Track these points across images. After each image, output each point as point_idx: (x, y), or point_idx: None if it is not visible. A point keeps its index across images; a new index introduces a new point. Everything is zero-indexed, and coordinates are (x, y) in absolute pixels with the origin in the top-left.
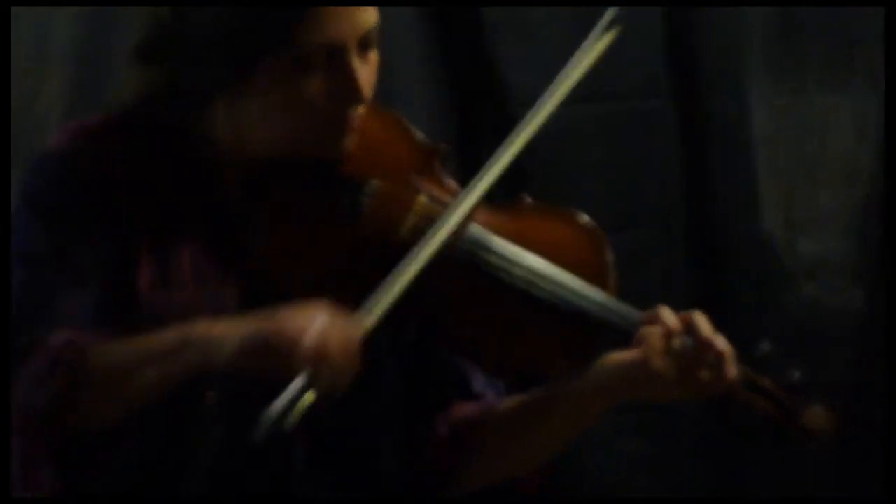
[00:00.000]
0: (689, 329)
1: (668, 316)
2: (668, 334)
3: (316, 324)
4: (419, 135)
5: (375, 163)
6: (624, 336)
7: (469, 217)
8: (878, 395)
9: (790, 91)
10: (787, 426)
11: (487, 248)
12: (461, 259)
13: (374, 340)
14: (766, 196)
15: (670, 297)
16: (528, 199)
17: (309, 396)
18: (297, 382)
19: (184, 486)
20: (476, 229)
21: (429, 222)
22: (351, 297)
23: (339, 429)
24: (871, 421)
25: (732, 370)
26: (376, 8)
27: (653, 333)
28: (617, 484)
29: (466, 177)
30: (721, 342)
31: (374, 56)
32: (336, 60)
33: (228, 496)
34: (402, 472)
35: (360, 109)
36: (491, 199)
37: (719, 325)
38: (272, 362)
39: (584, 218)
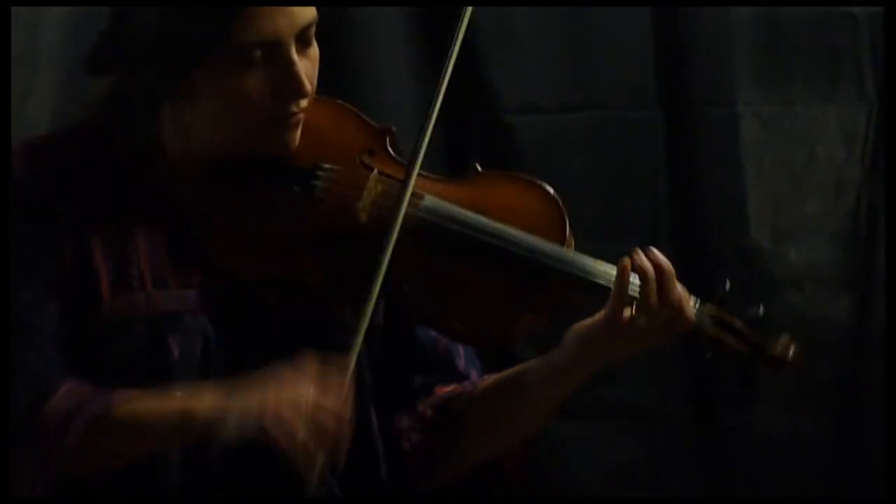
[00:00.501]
0: (636, 270)
1: (626, 272)
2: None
3: (304, 400)
4: (367, 119)
5: (325, 148)
6: (589, 291)
7: (412, 190)
8: (866, 402)
9: (777, 101)
10: (756, 358)
11: (443, 216)
12: (419, 230)
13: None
14: (754, 206)
15: None
16: (479, 168)
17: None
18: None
19: (178, 485)
20: (430, 199)
21: (384, 199)
22: (313, 283)
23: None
24: (859, 428)
25: (689, 317)
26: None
27: (616, 289)
28: (603, 491)
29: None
30: (658, 262)
31: (314, 51)
32: (275, 56)
33: (222, 494)
34: (390, 458)
35: (304, 103)
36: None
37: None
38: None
39: (538, 182)
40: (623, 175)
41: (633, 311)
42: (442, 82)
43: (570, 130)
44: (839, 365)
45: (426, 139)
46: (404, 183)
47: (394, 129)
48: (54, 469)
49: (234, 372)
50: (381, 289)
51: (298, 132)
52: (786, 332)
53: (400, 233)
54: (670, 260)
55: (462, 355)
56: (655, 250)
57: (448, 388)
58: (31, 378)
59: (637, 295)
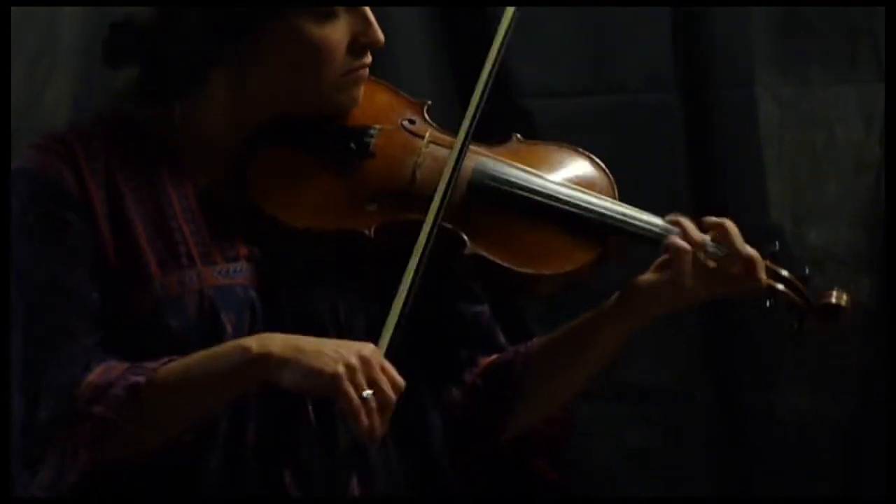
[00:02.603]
0: (720, 239)
1: (694, 231)
2: (696, 249)
3: (366, 359)
4: (403, 93)
5: (371, 114)
6: (649, 242)
7: (465, 151)
8: (887, 385)
9: (795, 82)
10: (809, 309)
11: (497, 172)
12: (472, 186)
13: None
14: (773, 188)
15: None
16: (519, 136)
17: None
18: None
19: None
20: (482, 159)
21: (438, 155)
22: (368, 238)
23: None
24: (880, 411)
25: (763, 275)
26: None
27: (680, 250)
28: (622, 477)
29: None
30: (750, 251)
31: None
32: (351, 8)
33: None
34: (446, 428)
35: (369, 58)
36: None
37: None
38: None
39: (581, 149)
40: (641, 159)
41: (708, 266)
42: (489, 73)
43: (588, 114)
44: (860, 347)
45: (484, 93)
46: (462, 135)
47: (429, 102)
48: (86, 457)
49: None
50: (440, 241)
51: (362, 89)
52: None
53: (457, 187)
54: None
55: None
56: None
57: (492, 358)
58: (66, 364)
59: (714, 252)
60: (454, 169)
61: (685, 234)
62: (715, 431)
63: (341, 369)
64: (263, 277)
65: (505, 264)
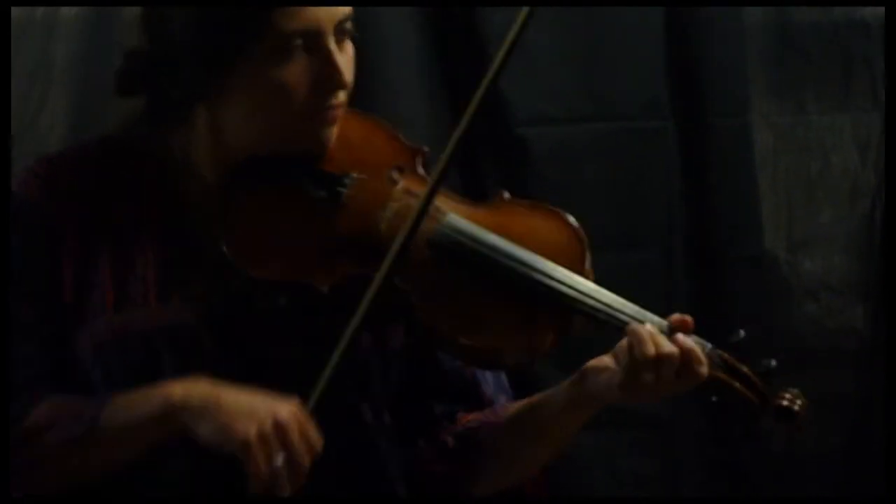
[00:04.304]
0: (656, 359)
1: (638, 345)
2: (638, 364)
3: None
4: (401, 137)
5: (356, 159)
6: (601, 326)
7: (431, 203)
8: (881, 412)
9: (790, 110)
10: (762, 408)
11: (464, 233)
12: (437, 244)
13: (363, 356)
14: (768, 215)
15: None
16: (507, 195)
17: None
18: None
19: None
20: (453, 217)
21: (407, 212)
22: (326, 289)
23: (341, 447)
24: (875, 438)
25: (704, 369)
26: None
27: (624, 355)
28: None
29: (467, 194)
30: (682, 348)
31: (350, 48)
32: (314, 46)
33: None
34: (410, 483)
35: (342, 97)
36: (472, 197)
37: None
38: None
39: (562, 212)
40: (636, 186)
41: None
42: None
43: (582, 141)
44: (855, 375)
45: (457, 144)
46: (429, 188)
47: (427, 150)
48: (38, 477)
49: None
50: (389, 298)
51: (335, 130)
52: (795, 388)
53: (417, 243)
54: (682, 273)
55: (490, 382)
56: (681, 336)
57: (471, 416)
58: (17, 391)
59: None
60: (416, 221)
61: (640, 344)
62: (710, 459)
63: (252, 435)
64: (218, 317)
65: (447, 332)
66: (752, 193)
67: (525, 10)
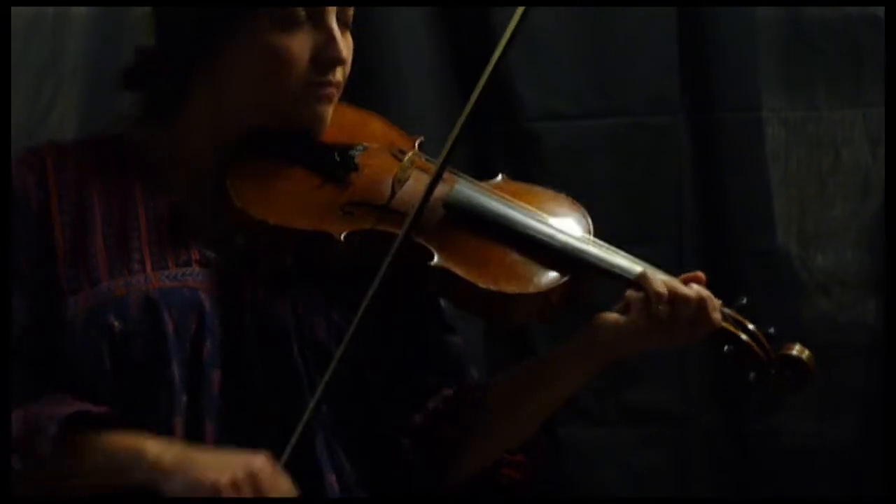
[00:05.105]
0: (672, 298)
1: (653, 283)
2: (652, 300)
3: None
4: (398, 128)
5: (362, 137)
6: (616, 281)
7: (448, 163)
8: (893, 406)
9: (802, 105)
10: (769, 362)
11: (480, 194)
12: (449, 204)
13: (363, 331)
14: (779, 210)
15: None
16: (506, 175)
17: None
18: None
19: None
20: (463, 183)
21: (414, 181)
22: (338, 248)
23: (341, 421)
24: (888, 433)
25: (716, 315)
26: None
27: (637, 300)
28: (628, 498)
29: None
30: (698, 292)
31: (349, 39)
32: (317, 20)
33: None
34: (418, 447)
35: (339, 76)
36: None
37: None
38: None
39: (563, 193)
40: (647, 181)
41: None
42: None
43: (593, 137)
44: (867, 369)
45: (470, 108)
46: (447, 149)
47: (422, 138)
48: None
49: (225, 348)
50: (410, 257)
51: (331, 109)
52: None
53: (433, 204)
54: (694, 269)
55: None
56: (695, 284)
57: (452, 390)
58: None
59: (663, 315)
60: (436, 176)
61: (647, 284)
62: (720, 454)
63: (224, 482)
64: (220, 281)
65: (469, 279)
66: (763, 188)
67: (520, 9)
